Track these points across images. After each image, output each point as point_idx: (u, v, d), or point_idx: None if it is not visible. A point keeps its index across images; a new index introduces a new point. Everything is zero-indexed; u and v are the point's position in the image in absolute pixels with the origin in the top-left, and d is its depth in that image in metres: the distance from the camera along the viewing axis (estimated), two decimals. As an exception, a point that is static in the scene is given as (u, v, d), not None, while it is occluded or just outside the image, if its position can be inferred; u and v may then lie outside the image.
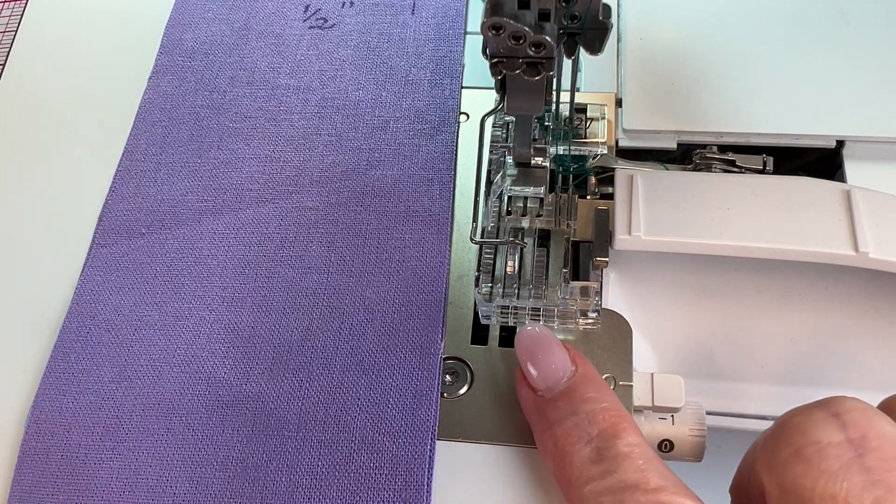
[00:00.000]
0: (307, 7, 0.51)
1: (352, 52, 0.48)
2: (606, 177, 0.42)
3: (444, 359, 0.37)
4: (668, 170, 0.44)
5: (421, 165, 0.43)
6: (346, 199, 0.42)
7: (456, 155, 0.44)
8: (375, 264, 0.40)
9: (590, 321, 0.37)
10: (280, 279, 0.40)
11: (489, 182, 0.40)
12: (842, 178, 0.44)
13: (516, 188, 0.39)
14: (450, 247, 0.40)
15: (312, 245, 0.41)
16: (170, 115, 0.47)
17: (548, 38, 0.28)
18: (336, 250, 0.41)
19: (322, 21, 0.50)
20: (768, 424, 0.42)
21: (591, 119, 0.41)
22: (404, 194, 0.42)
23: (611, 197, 0.41)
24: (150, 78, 0.49)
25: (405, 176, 0.43)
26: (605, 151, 0.40)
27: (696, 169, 0.43)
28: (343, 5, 0.50)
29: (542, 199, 0.39)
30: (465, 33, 0.49)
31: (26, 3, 0.55)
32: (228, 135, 0.46)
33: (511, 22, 0.28)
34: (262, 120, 0.46)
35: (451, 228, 0.41)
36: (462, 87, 0.46)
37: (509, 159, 0.39)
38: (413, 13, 0.50)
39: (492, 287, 0.36)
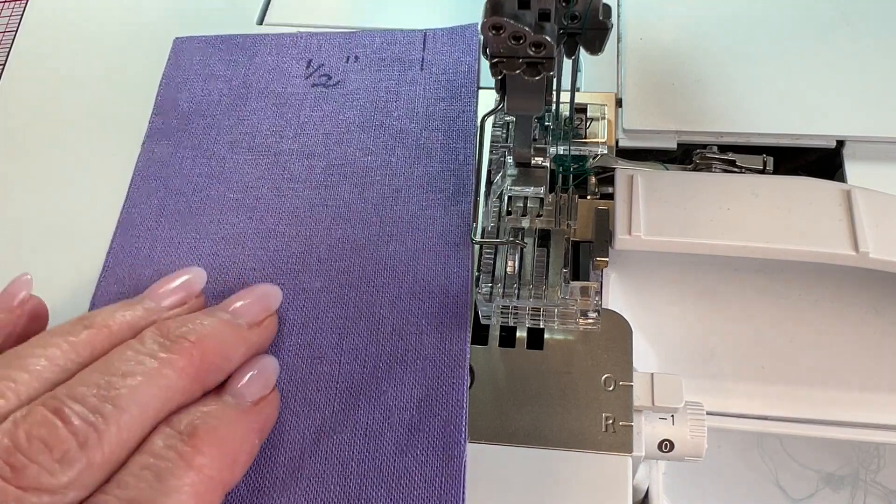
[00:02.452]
0: (309, 63, 0.48)
1: (358, 112, 0.45)
2: (606, 177, 0.42)
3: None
4: (668, 170, 0.44)
5: (436, 240, 0.40)
6: (357, 279, 0.39)
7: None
8: (391, 354, 0.36)
9: (590, 321, 0.37)
10: (287, 370, 0.37)
11: (489, 182, 0.40)
12: (842, 178, 0.44)
13: (516, 188, 0.39)
14: (469, 333, 0.37)
15: (321, 332, 0.37)
16: (166, 185, 0.43)
17: (548, 38, 0.28)
18: (348, 337, 0.37)
19: (326, 78, 0.47)
20: (768, 424, 0.42)
21: (591, 119, 0.41)
22: (419, 272, 0.39)
23: (611, 197, 0.41)
24: (143, 143, 0.46)
25: (419, 251, 0.39)
26: (605, 151, 0.40)
27: (696, 169, 0.43)
28: (348, 60, 0.48)
29: (542, 199, 0.39)
30: (479, 88, 0.45)
31: (26, 3, 0.55)
32: (229, 207, 0.42)
33: (511, 22, 0.28)
34: (264, 190, 0.43)
35: (471, 312, 0.37)
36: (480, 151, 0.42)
37: (509, 159, 0.39)
38: (422, 69, 0.46)
39: (492, 287, 0.36)
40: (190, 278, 0.36)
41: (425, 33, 0.48)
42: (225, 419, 0.30)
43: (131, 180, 0.44)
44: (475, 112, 0.44)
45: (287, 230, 0.41)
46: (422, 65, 0.47)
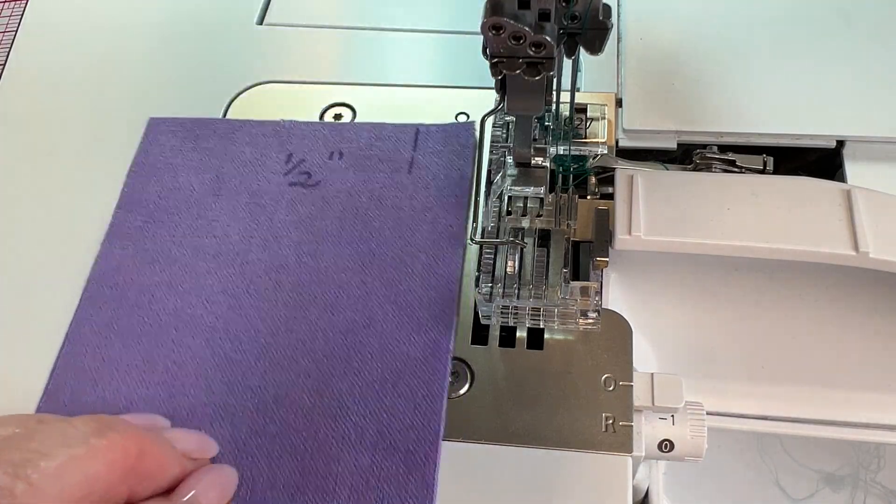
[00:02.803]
0: (290, 157, 0.44)
1: (336, 220, 0.41)
2: (606, 177, 0.42)
3: (444, 360, 0.37)
4: (668, 170, 0.44)
5: (408, 378, 0.36)
6: (316, 428, 0.35)
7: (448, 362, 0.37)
8: None
9: (590, 321, 0.37)
10: None
11: (489, 182, 0.40)
12: (842, 178, 0.44)
13: (516, 188, 0.39)
14: (435, 485, 0.34)
15: (273, 489, 0.34)
16: (121, 295, 0.40)
17: (548, 38, 0.28)
18: (300, 496, 0.34)
19: (305, 176, 0.43)
20: (768, 424, 0.42)
21: (591, 119, 0.41)
22: (384, 422, 0.35)
23: (611, 197, 0.41)
24: (103, 241, 0.42)
25: (388, 390, 0.36)
26: (605, 151, 0.40)
27: (696, 169, 0.43)
28: (331, 156, 0.44)
29: (542, 199, 0.39)
30: (471, 201, 0.41)
31: (26, 3, 0.55)
32: (185, 325, 0.38)
33: (511, 22, 0.28)
34: (225, 307, 0.39)
35: (436, 466, 0.34)
36: (459, 284, 0.39)
37: (509, 159, 0.39)
38: (410, 171, 0.43)
39: (492, 287, 0.36)
40: (201, 439, 0.34)
41: (417, 130, 0.45)
42: None
43: (85, 286, 0.41)
44: (464, 226, 0.41)
45: (244, 357, 0.37)
46: (410, 167, 0.43)
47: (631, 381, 0.36)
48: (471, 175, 0.42)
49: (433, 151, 0.44)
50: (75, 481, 0.26)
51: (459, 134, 0.45)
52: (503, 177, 0.39)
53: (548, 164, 0.39)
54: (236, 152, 0.45)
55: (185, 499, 0.30)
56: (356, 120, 0.48)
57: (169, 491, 0.30)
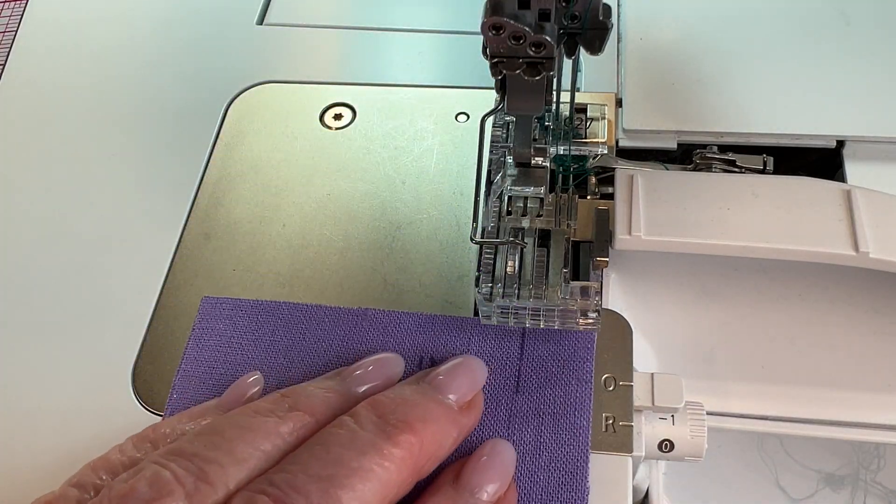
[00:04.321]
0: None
1: None
2: (606, 177, 0.42)
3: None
4: (668, 170, 0.44)
5: None
6: None
7: None
8: None
9: (590, 321, 0.37)
10: None
11: (489, 182, 0.39)
12: (842, 178, 0.44)
13: (516, 188, 0.39)
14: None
15: None
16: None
17: (548, 38, 0.28)
18: None
19: None
20: (768, 424, 0.42)
21: (591, 119, 0.41)
22: None
23: (611, 197, 0.41)
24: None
25: None
26: (605, 151, 0.40)
27: (697, 169, 0.43)
28: (420, 363, 0.36)
29: (542, 199, 0.39)
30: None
31: (26, 3, 0.55)
32: None
33: (511, 22, 0.28)
34: None
35: None
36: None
37: (509, 159, 0.39)
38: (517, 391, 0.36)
39: (492, 287, 0.36)
40: (387, 359, 0.34)
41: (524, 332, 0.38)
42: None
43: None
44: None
45: None
46: (518, 382, 0.36)
47: (631, 381, 0.36)
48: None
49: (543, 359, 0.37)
50: (374, 490, 0.26)
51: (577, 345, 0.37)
52: (503, 177, 0.39)
53: (548, 164, 0.39)
54: (307, 348, 0.37)
55: (473, 494, 0.30)
56: (356, 121, 0.48)
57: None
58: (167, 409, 0.36)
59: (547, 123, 0.39)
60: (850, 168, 0.44)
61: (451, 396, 0.31)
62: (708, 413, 0.36)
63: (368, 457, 0.27)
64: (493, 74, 0.31)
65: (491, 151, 0.40)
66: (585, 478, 0.33)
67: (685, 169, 0.44)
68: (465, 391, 0.32)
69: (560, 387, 0.35)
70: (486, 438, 0.34)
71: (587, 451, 0.34)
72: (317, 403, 0.30)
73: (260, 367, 0.36)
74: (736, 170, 0.43)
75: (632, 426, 0.35)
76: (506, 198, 0.39)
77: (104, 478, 0.28)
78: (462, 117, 0.47)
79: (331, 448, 0.27)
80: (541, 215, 0.38)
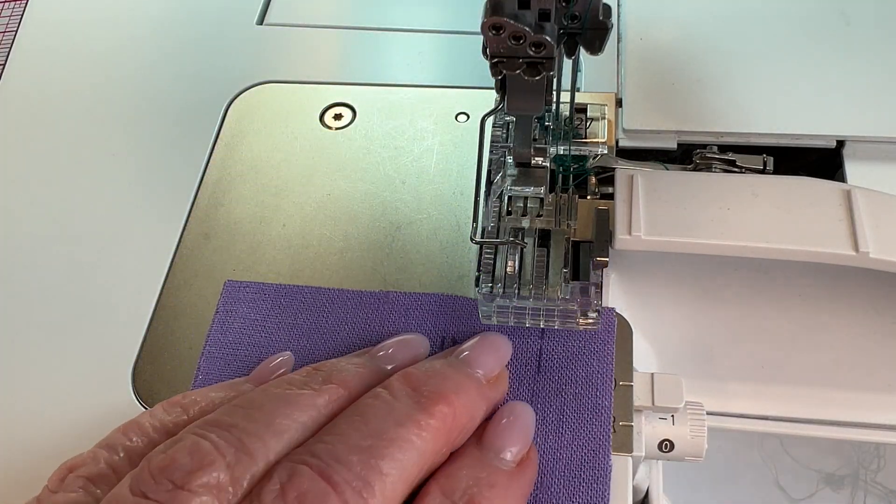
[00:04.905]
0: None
1: None
2: (606, 177, 0.42)
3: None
4: (668, 170, 0.44)
5: None
6: None
7: None
8: None
9: (590, 321, 0.37)
10: None
11: (489, 182, 0.39)
12: (842, 178, 0.44)
13: (516, 188, 0.39)
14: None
15: None
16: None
17: (548, 38, 0.28)
18: None
19: None
20: (768, 424, 0.42)
21: (591, 119, 0.41)
22: None
23: (611, 197, 0.41)
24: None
25: None
26: (605, 151, 0.40)
27: (697, 169, 0.43)
28: (442, 343, 0.37)
29: (542, 199, 0.39)
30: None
31: (26, 3, 0.55)
32: None
33: (511, 22, 0.28)
34: None
35: None
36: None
37: (509, 159, 0.39)
38: (539, 371, 0.36)
39: (492, 287, 0.36)
40: (413, 339, 0.34)
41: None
42: (498, 487, 0.29)
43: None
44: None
45: None
46: (539, 363, 0.36)
47: (631, 381, 0.36)
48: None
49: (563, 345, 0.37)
50: (413, 461, 0.26)
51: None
52: (503, 177, 0.39)
53: (548, 164, 0.39)
54: (330, 331, 0.38)
55: (497, 455, 0.30)
56: (356, 121, 0.48)
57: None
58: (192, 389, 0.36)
59: (547, 123, 0.39)
60: (850, 168, 0.44)
61: (479, 371, 0.32)
62: (708, 413, 0.37)
63: (406, 427, 0.27)
64: (493, 74, 0.31)
65: (491, 151, 0.40)
66: (608, 454, 0.33)
67: (685, 169, 0.44)
68: (491, 366, 0.32)
69: (581, 365, 0.36)
70: None
71: (609, 428, 0.34)
72: (349, 377, 0.30)
73: (284, 349, 0.37)
74: (736, 170, 0.43)
75: (632, 426, 0.35)
76: (506, 198, 0.39)
77: (135, 440, 0.29)
78: (462, 117, 0.47)
79: (369, 419, 0.27)
80: (541, 215, 0.38)
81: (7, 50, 0.52)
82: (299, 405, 0.28)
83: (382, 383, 0.30)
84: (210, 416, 0.28)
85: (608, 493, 0.33)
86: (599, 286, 0.36)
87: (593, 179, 0.43)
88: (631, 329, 0.38)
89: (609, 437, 0.34)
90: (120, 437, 0.29)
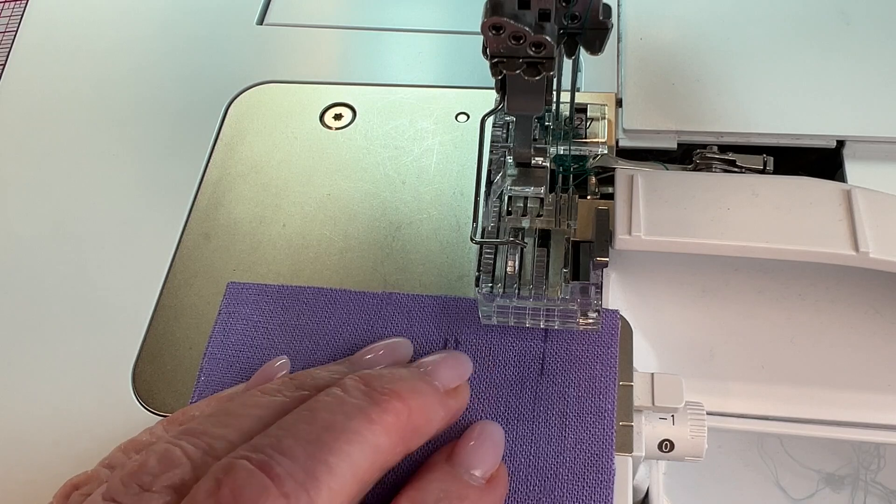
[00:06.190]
0: None
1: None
2: (607, 177, 0.42)
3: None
4: (668, 170, 0.44)
5: None
6: None
7: None
8: None
9: (590, 321, 0.37)
10: None
11: (489, 182, 0.39)
12: (842, 178, 0.44)
13: (516, 188, 0.39)
14: None
15: None
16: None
17: (548, 38, 0.28)
18: None
19: None
20: (768, 424, 0.42)
21: (591, 119, 0.41)
22: None
23: (611, 197, 0.41)
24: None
25: None
26: (606, 151, 0.40)
27: (697, 169, 0.43)
28: (445, 344, 0.37)
29: (542, 199, 0.39)
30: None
31: (26, 3, 0.55)
32: None
33: (511, 22, 0.28)
34: None
35: None
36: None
37: (509, 159, 0.39)
38: (542, 373, 0.36)
39: (492, 287, 0.36)
40: (397, 343, 0.34)
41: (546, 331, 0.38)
42: (468, 501, 0.28)
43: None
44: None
45: None
46: (542, 366, 0.36)
47: (631, 381, 0.36)
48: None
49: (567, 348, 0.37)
50: (363, 456, 0.26)
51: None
52: (503, 177, 0.39)
53: (548, 164, 0.39)
54: (332, 332, 0.38)
55: (467, 471, 0.29)
56: (356, 120, 0.48)
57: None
58: (195, 392, 0.36)
59: (547, 123, 0.39)
60: (850, 168, 0.44)
61: (436, 382, 0.31)
62: (708, 413, 0.37)
63: (356, 420, 0.26)
64: (493, 74, 0.31)
65: (491, 151, 0.40)
66: (611, 458, 0.33)
67: (685, 169, 0.44)
68: (450, 377, 0.32)
69: (585, 369, 0.36)
70: (513, 422, 0.34)
71: (612, 432, 0.34)
72: (322, 385, 0.29)
73: (286, 350, 0.37)
74: (736, 170, 0.43)
75: (632, 426, 0.35)
76: (506, 198, 0.39)
77: (134, 458, 0.29)
78: (462, 117, 0.47)
79: (318, 412, 0.26)
80: (541, 215, 0.38)
81: (7, 50, 0.52)
82: (269, 409, 0.28)
83: (337, 382, 0.29)
84: (184, 427, 0.27)
85: (612, 497, 0.33)
86: (599, 286, 0.36)
87: (593, 179, 0.43)
88: (631, 329, 0.38)
89: (612, 440, 0.34)
90: (119, 456, 0.30)
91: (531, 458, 0.33)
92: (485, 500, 0.29)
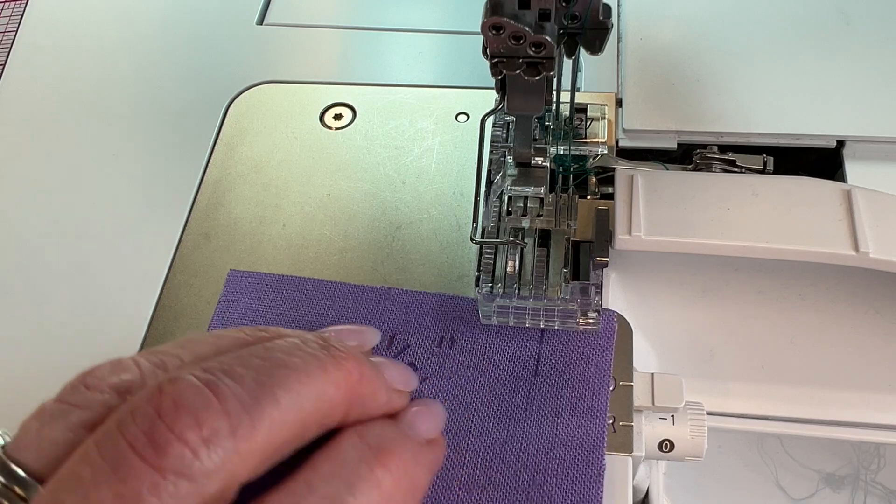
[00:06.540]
0: (392, 339, 0.37)
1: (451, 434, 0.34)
2: (607, 177, 0.42)
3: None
4: (668, 170, 0.44)
5: None
6: None
7: None
8: None
9: (590, 321, 0.37)
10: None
11: (489, 182, 0.39)
12: (842, 178, 0.44)
13: (516, 188, 0.39)
14: None
15: None
16: None
17: (548, 38, 0.28)
18: None
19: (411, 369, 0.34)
20: (768, 424, 0.42)
21: (591, 119, 0.41)
22: None
23: (611, 197, 0.41)
24: None
25: None
26: (606, 151, 0.40)
27: (697, 169, 0.43)
28: (441, 342, 0.37)
29: (542, 199, 0.39)
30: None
31: (26, 3, 0.55)
32: None
33: (511, 22, 0.28)
34: None
35: None
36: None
37: (509, 159, 0.39)
38: (536, 373, 0.36)
39: (492, 287, 0.36)
40: (367, 331, 0.33)
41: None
42: (408, 446, 0.28)
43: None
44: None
45: None
46: (536, 366, 0.36)
47: (631, 381, 0.36)
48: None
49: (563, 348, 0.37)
50: (310, 401, 0.25)
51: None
52: (503, 177, 0.39)
53: (548, 164, 0.39)
54: (329, 321, 0.38)
55: (409, 425, 0.29)
56: (356, 120, 0.48)
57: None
58: None
59: (547, 123, 0.39)
60: (850, 168, 0.44)
61: (385, 372, 0.31)
62: (708, 413, 0.37)
63: (310, 364, 0.26)
64: (493, 74, 0.31)
65: (491, 151, 0.40)
66: (602, 454, 0.34)
67: (685, 169, 0.44)
68: (397, 377, 0.31)
69: (579, 369, 0.36)
70: (505, 420, 0.34)
71: (604, 429, 0.34)
72: (285, 336, 0.29)
73: None
74: (736, 170, 0.43)
75: (632, 426, 0.35)
76: (506, 198, 0.39)
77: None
78: (462, 117, 0.47)
79: (273, 351, 0.26)
80: (541, 215, 0.38)
81: (7, 50, 0.52)
82: (228, 341, 0.27)
83: (296, 334, 0.28)
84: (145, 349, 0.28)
85: (601, 492, 0.33)
86: (599, 286, 0.36)
87: (593, 179, 0.43)
88: (631, 329, 0.38)
89: (604, 437, 0.34)
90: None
91: (521, 453, 0.34)
92: (423, 455, 0.29)
